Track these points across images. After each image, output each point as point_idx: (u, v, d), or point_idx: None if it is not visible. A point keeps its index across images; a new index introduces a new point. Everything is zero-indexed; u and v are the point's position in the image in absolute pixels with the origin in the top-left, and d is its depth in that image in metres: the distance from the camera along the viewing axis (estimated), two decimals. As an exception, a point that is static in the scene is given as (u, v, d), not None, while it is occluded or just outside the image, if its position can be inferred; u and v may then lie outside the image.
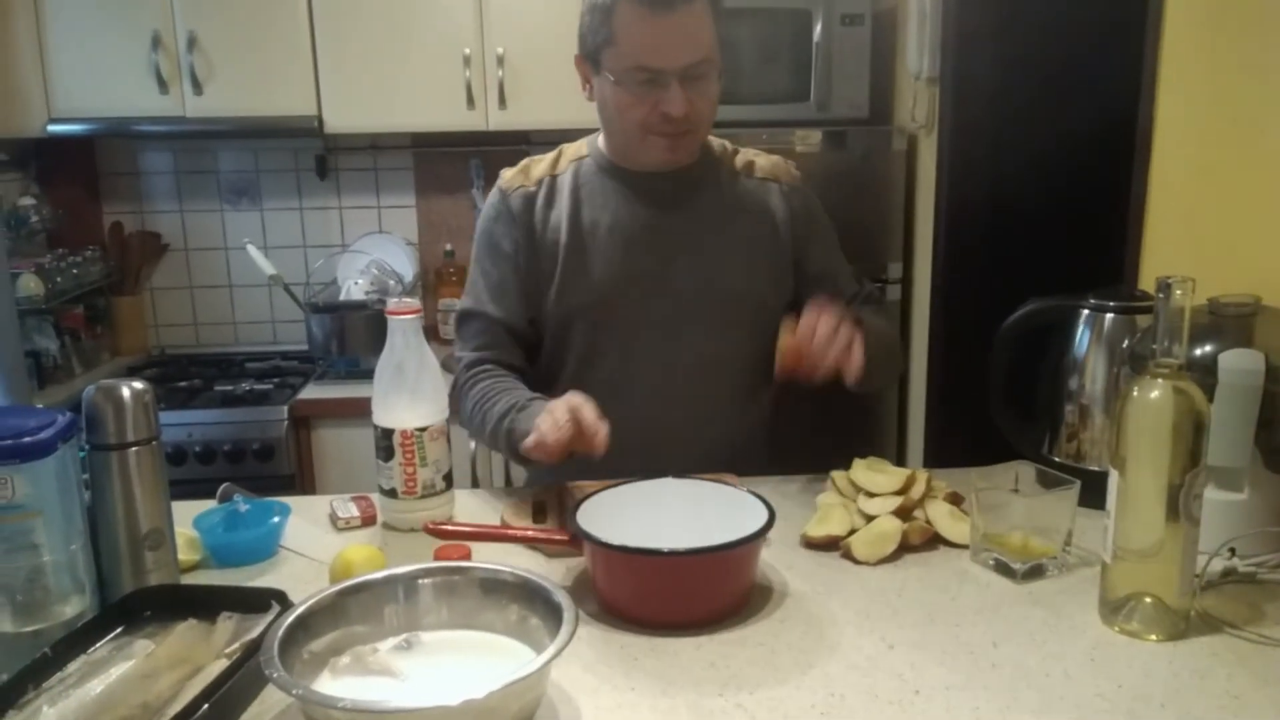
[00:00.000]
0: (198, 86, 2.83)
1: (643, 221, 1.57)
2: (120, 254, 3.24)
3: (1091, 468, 1.41)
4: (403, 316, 1.39)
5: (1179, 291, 1.04)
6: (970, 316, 2.16)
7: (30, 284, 2.74)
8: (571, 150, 1.65)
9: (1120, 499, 1.09)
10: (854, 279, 1.72)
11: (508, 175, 1.63)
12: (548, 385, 1.58)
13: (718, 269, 1.58)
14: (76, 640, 1.02)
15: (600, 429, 1.31)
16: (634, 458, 1.43)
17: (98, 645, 1.03)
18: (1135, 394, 1.07)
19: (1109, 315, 1.44)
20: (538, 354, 1.65)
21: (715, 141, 1.66)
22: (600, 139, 1.63)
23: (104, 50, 2.81)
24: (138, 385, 1.17)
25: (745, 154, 1.67)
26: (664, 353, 1.58)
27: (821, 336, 1.35)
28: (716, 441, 1.57)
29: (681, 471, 1.31)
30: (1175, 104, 1.66)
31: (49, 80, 2.83)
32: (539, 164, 1.63)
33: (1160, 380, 1.06)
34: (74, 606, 1.10)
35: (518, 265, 1.59)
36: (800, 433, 1.59)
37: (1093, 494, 1.18)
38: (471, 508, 1.46)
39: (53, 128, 2.84)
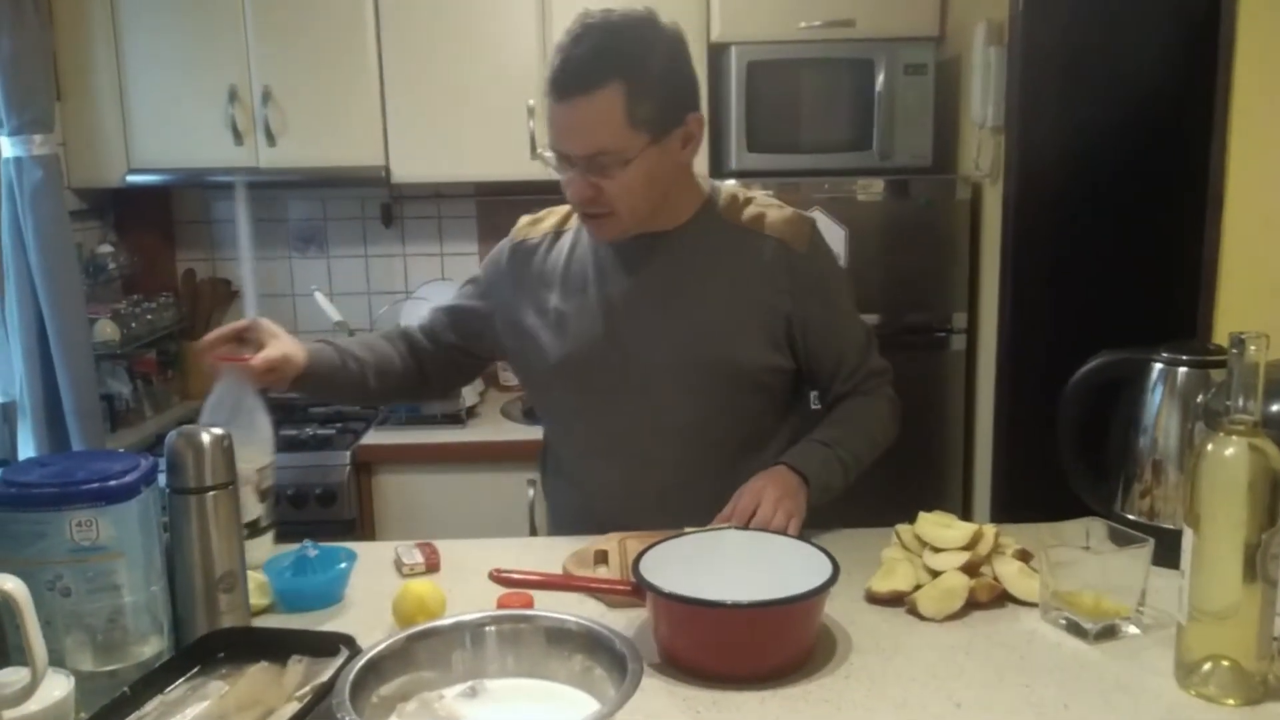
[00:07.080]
0: (271, 138, 2.92)
1: (622, 285, 1.54)
2: (192, 300, 3.34)
3: (1165, 525, 1.38)
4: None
5: (1253, 348, 1.03)
6: (1037, 367, 2.13)
7: (106, 329, 2.82)
8: None
9: (1195, 558, 1.07)
10: (862, 350, 1.60)
11: (520, 224, 1.68)
12: (547, 440, 1.72)
13: (699, 335, 1.52)
14: (154, 680, 1.04)
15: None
16: (618, 520, 1.44)
17: (174, 685, 1.05)
18: (1209, 450, 1.06)
19: (1182, 369, 1.42)
20: (457, 373, 1.80)
21: (726, 191, 1.60)
22: None
23: (182, 104, 2.91)
24: (217, 431, 1.20)
25: (758, 205, 1.58)
26: (644, 416, 1.54)
27: (757, 522, 1.39)
28: (706, 504, 1.46)
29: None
30: (1248, 152, 1.64)
31: (129, 133, 2.93)
32: (552, 215, 1.66)
33: (1235, 437, 1.04)
34: (152, 647, 1.12)
35: (483, 309, 1.67)
36: (864, 485, 1.57)
37: (1167, 552, 1.16)
38: (534, 556, 1.47)
39: (131, 178, 2.94)
